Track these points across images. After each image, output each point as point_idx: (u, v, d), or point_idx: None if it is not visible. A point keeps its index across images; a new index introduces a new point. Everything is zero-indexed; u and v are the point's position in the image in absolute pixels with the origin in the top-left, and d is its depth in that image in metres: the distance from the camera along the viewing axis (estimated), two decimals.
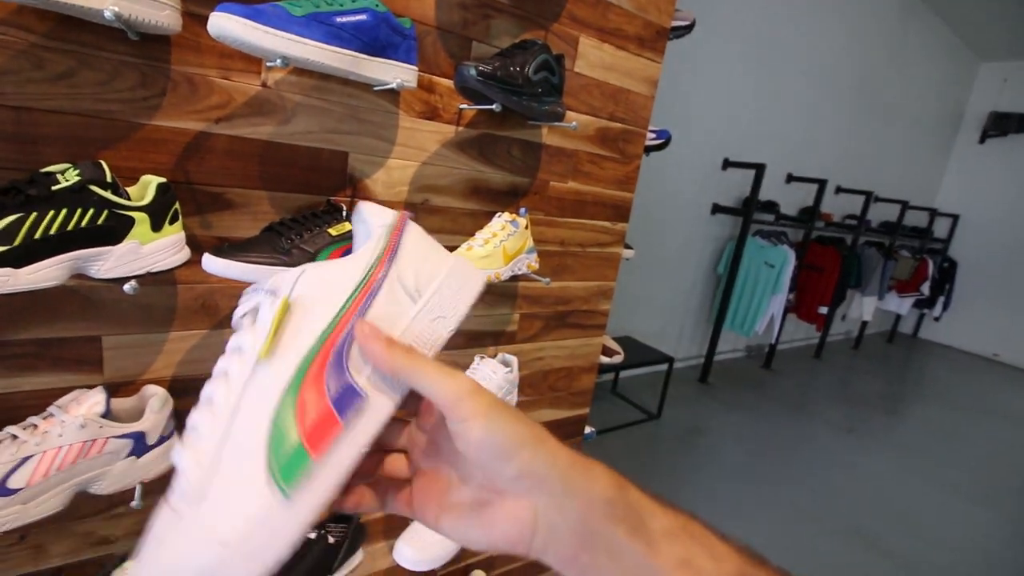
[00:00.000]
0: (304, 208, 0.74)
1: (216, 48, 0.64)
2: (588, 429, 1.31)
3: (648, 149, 1.20)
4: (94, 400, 0.63)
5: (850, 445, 2.96)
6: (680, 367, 3.49)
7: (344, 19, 0.60)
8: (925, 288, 4.79)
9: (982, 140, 5.31)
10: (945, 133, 5.38)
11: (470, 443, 0.25)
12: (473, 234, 0.85)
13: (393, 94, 0.78)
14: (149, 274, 0.60)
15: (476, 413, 0.25)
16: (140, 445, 0.66)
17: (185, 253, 0.63)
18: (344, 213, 0.70)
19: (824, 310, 3.95)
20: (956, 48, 4.85)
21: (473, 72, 0.68)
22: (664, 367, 2.83)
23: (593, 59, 0.95)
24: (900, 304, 4.79)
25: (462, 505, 0.27)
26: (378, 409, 0.27)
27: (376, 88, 0.72)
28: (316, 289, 0.28)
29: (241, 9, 0.55)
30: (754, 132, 3.45)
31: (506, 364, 0.97)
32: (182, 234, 0.63)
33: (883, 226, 4.60)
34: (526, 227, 0.89)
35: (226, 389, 0.26)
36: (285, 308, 0.27)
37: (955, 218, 5.33)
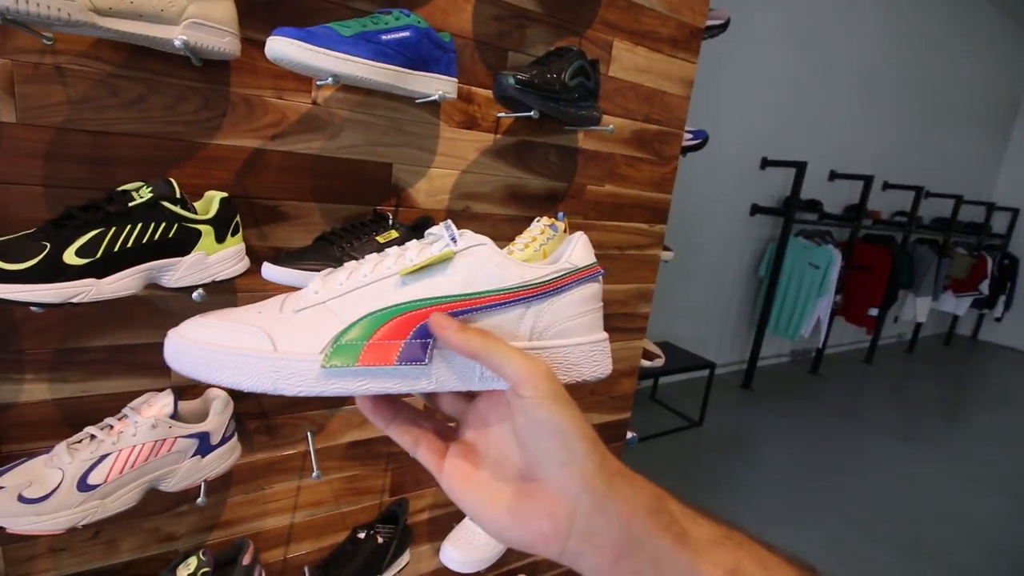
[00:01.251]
0: (352, 218, 0.77)
1: (271, 70, 0.68)
2: (630, 434, 1.30)
3: (685, 150, 1.19)
4: (164, 402, 0.67)
5: (906, 454, 2.81)
6: (722, 372, 3.40)
7: (389, 36, 0.63)
8: (984, 287, 4.52)
9: None
10: (1000, 122, 5.08)
11: (533, 420, 0.26)
12: (513, 239, 0.86)
13: (434, 106, 0.81)
14: (214, 283, 0.64)
15: (548, 394, 0.25)
16: (205, 445, 0.70)
17: (246, 263, 0.67)
18: (390, 221, 0.73)
19: (875, 312, 3.78)
20: (1008, 30, 4.59)
21: (511, 80, 0.70)
22: (705, 373, 2.76)
23: (627, 62, 0.96)
24: (957, 304, 4.53)
25: (492, 490, 0.27)
26: (423, 380, 0.29)
27: (418, 101, 0.75)
28: (477, 263, 0.30)
29: (295, 32, 0.58)
30: (793, 129, 3.36)
31: None
32: (243, 245, 0.67)
33: (936, 222, 4.38)
34: (565, 231, 0.90)
35: (360, 273, 0.30)
36: (447, 256, 0.29)
37: (1015, 212, 5.01)
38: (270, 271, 0.62)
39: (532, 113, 0.73)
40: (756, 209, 3.37)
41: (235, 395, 0.77)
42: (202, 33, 0.59)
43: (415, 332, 0.28)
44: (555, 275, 0.31)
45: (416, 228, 0.78)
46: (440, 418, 0.34)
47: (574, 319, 0.31)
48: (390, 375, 0.28)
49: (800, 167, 3.05)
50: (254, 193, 0.72)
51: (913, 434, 3.08)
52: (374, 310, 0.28)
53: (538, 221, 0.88)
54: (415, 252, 0.30)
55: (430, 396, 0.33)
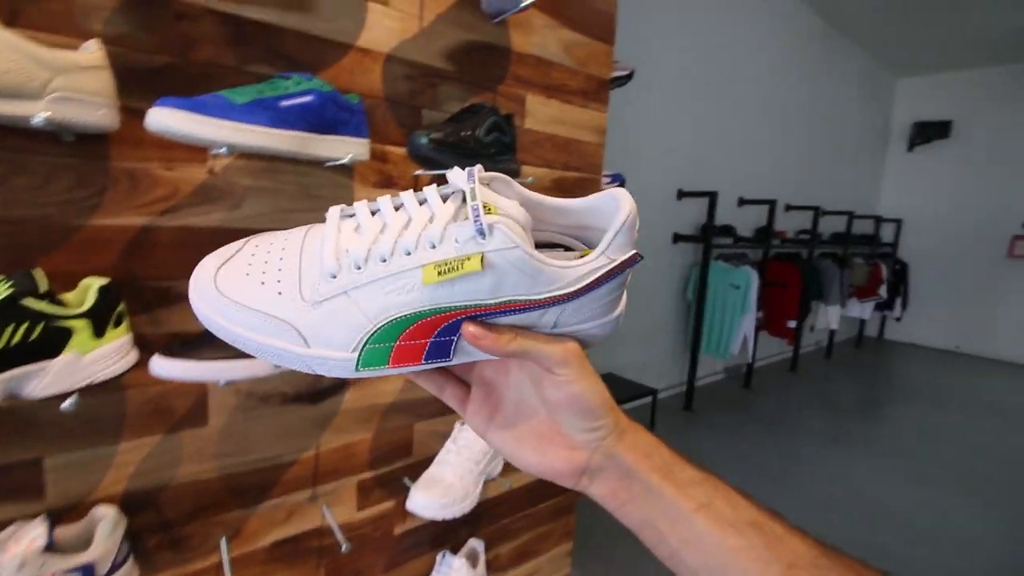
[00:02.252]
0: None
1: (157, 141, 0.62)
2: None
3: None
4: (34, 534, 0.56)
5: (836, 455, 2.97)
6: (664, 397, 3.47)
7: (290, 102, 0.59)
8: (882, 291, 4.99)
9: (910, 148, 5.71)
10: (877, 145, 5.76)
11: (566, 394, 0.29)
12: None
13: (346, 168, 0.77)
14: (91, 385, 0.55)
15: (582, 374, 0.29)
16: None
17: (132, 357, 0.59)
18: None
19: (793, 324, 4.04)
20: (874, 68, 5.27)
21: (425, 140, 0.68)
22: (648, 400, 2.80)
23: (541, 115, 0.97)
24: (862, 309, 4.96)
25: (517, 429, 0.31)
26: (449, 362, 0.30)
27: (328, 164, 0.71)
28: (508, 269, 0.27)
29: (180, 102, 0.53)
30: (703, 162, 3.61)
31: None
32: (128, 336, 0.59)
33: (834, 237, 4.81)
34: None
35: (373, 259, 0.28)
36: (475, 267, 0.27)
37: (898, 222, 5.63)
38: (162, 366, 0.55)
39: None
40: (677, 237, 3.55)
41: (130, 509, 0.66)
42: (71, 108, 0.52)
43: (440, 331, 0.29)
44: (589, 279, 0.29)
45: None
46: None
47: (595, 308, 0.30)
48: (417, 368, 0.30)
49: (712, 196, 3.26)
50: (143, 275, 0.64)
51: (840, 435, 3.26)
52: (399, 314, 0.28)
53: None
54: (438, 235, 0.27)
55: None
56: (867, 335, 5.90)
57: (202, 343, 0.58)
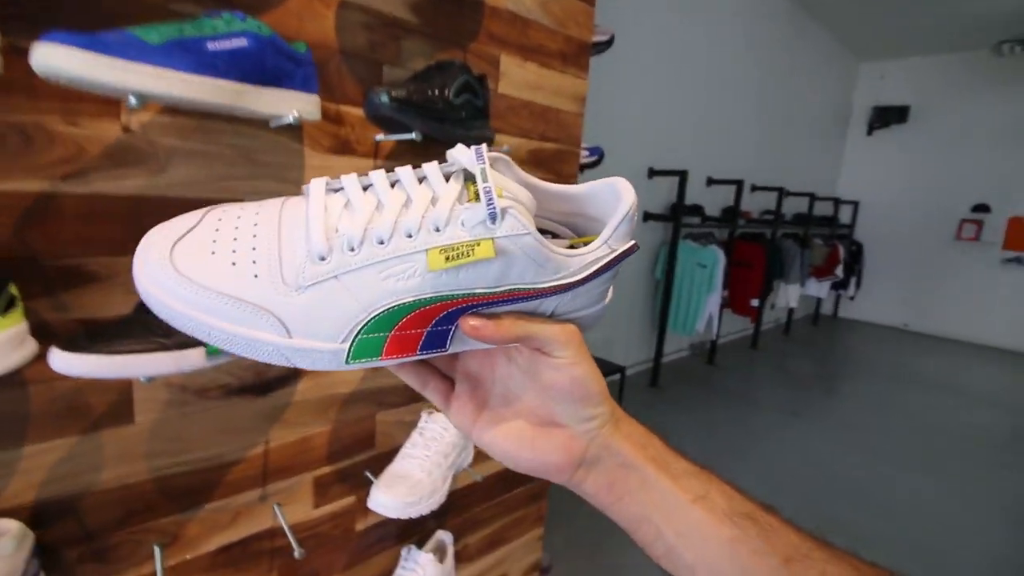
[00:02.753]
0: None
1: (55, 89, 0.51)
2: None
3: (582, 167, 1.15)
4: None
5: (796, 428, 3.07)
6: (631, 373, 3.50)
7: (218, 45, 0.49)
8: (839, 271, 5.15)
9: (869, 132, 5.85)
10: (837, 128, 5.88)
11: (567, 377, 0.28)
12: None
13: (294, 130, 0.67)
14: None
15: (583, 357, 0.29)
16: None
17: (28, 349, 0.49)
18: None
19: (756, 302, 4.13)
20: (837, 51, 5.32)
21: (385, 99, 0.59)
22: (617, 377, 2.81)
23: (517, 78, 0.89)
24: (819, 288, 5.12)
25: (506, 424, 0.30)
26: (442, 352, 0.28)
27: (273, 124, 0.61)
28: (515, 259, 0.26)
29: (75, 38, 0.43)
30: (674, 141, 3.58)
31: None
32: (22, 325, 0.49)
33: (796, 218, 4.91)
34: None
35: (370, 242, 0.25)
36: (487, 254, 0.26)
37: (856, 204, 5.80)
38: (61, 361, 0.45)
39: (413, 135, 0.63)
40: (648, 216, 3.53)
41: (43, 520, 0.57)
42: None
43: (438, 320, 0.27)
44: (593, 268, 0.28)
45: None
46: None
47: (592, 296, 0.31)
48: (411, 359, 0.28)
49: (683, 175, 3.24)
50: (43, 252, 0.53)
51: (799, 409, 3.37)
52: (397, 302, 0.26)
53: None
54: (444, 217, 0.25)
55: None
56: (823, 313, 6.12)
57: (115, 333, 0.49)
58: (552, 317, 0.29)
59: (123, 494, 0.63)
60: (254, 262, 0.25)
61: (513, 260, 0.26)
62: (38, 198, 0.52)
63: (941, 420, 3.37)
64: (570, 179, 1.03)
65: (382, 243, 0.25)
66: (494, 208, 0.25)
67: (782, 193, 4.30)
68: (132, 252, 0.57)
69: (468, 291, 0.26)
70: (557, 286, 0.27)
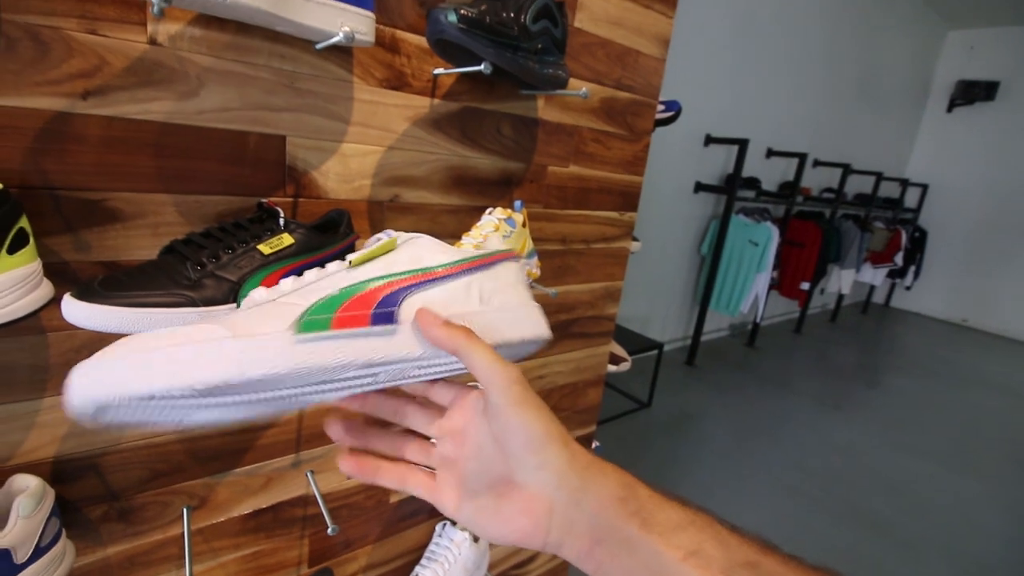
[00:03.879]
0: (228, 215, 0.54)
1: None
2: (595, 443, 1.16)
3: (657, 123, 1.03)
4: None
5: (836, 420, 2.93)
6: (667, 350, 3.39)
7: None
8: (898, 258, 4.83)
9: (949, 109, 5.35)
10: (914, 103, 5.38)
11: (505, 425, 0.28)
12: (459, 237, 0.66)
13: (343, 55, 0.58)
14: None
15: (521, 400, 0.28)
16: (5, 566, 0.46)
17: (43, 292, 0.43)
18: (281, 220, 0.50)
19: (806, 286, 3.91)
20: (924, 16, 4.81)
21: (453, 18, 0.49)
22: (654, 353, 2.71)
23: (598, 11, 0.76)
24: (874, 275, 4.82)
25: (480, 498, 0.29)
26: (395, 341, 0.29)
27: (319, 46, 0.52)
28: (419, 249, 0.34)
29: None
30: (734, 107, 3.32)
31: None
32: (35, 264, 0.43)
33: (858, 198, 4.58)
34: (524, 225, 0.70)
35: (300, 282, 0.30)
36: (391, 245, 0.33)
37: (924, 188, 5.37)
38: (73, 310, 0.39)
39: (482, 67, 0.53)
40: (700, 187, 3.33)
41: (65, 476, 0.53)
42: None
43: (380, 303, 0.29)
44: (484, 253, 0.36)
45: (324, 228, 0.56)
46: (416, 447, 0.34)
47: (507, 288, 0.36)
48: (365, 336, 0.28)
49: (743, 144, 3.02)
50: (61, 182, 0.47)
51: (841, 401, 3.22)
52: (336, 291, 0.29)
53: (490, 213, 0.68)
54: (355, 253, 0.32)
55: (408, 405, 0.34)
56: (874, 301, 5.80)
57: (137, 281, 0.42)
58: (484, 308, 0.33)
59: (149, 453, 0.58)
60: (202, 320, 0.31)
61: (416, 249, 0.33)
62: (55, 118, 0.45)
63: (991, 422, 3.17)
64: (644, 136, 0.91)
65: (312, 279, 0.30)
66: (390, 232, 0.35)
67: (847, 170, 4.00)
68: (160, 189, 0.50)
69: (394, 273, 0.31)
70: (467, 262, 0.34)
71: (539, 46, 0.58)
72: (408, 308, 0.30)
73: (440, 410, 0.33)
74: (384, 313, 0.29)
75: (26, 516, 0.48)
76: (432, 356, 0.30)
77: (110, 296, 0.39)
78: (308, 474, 0.71)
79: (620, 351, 1.17)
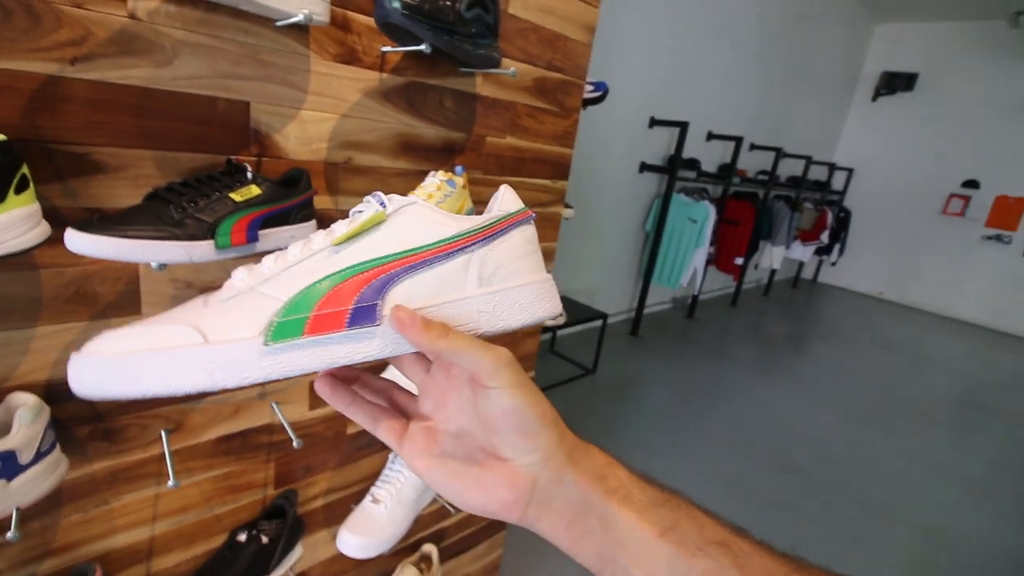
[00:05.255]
0: (199, 170, 0.62)
1: None
2: None
3: (586, 102, 1.15)
4: None
5: (764, 383, 3.22)
6: (612, 321, 3.59)
7: None
8: (825, 236, 5.23)
9: (874, 98, 5.77)
10: (843, 92, 5.77)
11: (499, 408, 0.27)
12: (405, 195, 0.76)
13: (300, 32, 0.66)
14: None
15: (514, 383, 0.27)
16: (10, 466, 0.54)
17: (43, 229, 0.51)
18: (249, 174, 0.59)
19: (740, 261, 4.20)
20: (854, 10, 5.14)
21: (397, 5, 0.58)
22: (599, 323, 2.89)
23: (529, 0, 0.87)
24: (803, 252, 5.21)
25: (455, 462, 0.29)
26: (375, 341, 0.28)
27: (279, 23, 0.60)
28: (411, 220, 0.29)
29: None
30: (677, 92, 3.50)
31: None
32: (36, 206, 0.50)
33: (790, 180, 4.91)
34: (464, 187, 0.81)
35: (287, 256, 0.29)
36: (379, 218, 0.29)
37: (850, 171, 5.81)
38: (78, 240, 0.47)
39: (423, 47, 0.63)
40: (644, 167, 3.51)
41: (55, 398, 0.61)
42: None
43: (362, 295, 0.27)
44: (490, 221, 0.31)
45: (287, 183, 0.65)
46: (397, 399, 0.34)
47: (517, 261, 0.31)
48: (340, 341, 0.27)
49: (683, 127, 3.20)
50: (53, 136, 0.54)
51: (769, 366, 3.53)
52: (312, 282, 0.27)
53: (434, 175, 0.79)
54: (344, 226, 0.29)
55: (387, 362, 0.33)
56: (803, 277, 6.26)
57: (128, 219, 0.50)
58: (483, 289, 0.30)
59: None
60: (180, 311, 0.28)
61: (408, 221, 0.29)
62: (47, 81, 0.52)
63: (899, 383, 3.56)
64: (573, 112, 1.03)
65: (294, 256, 0.29)
66: (382, 198, 0.29)
67: (779, 154, 4.29)
68: (139, 145, 0.58)
69: (379, 258, 0.28)
70: (463, 237, 0.30)
71: (473, 30, 0.68)
72: (394, 298, 0.28)
73: (427, 362, 0.32)
74: (364, 308, 0.27)
75: (27, 424, 0.56)
76: (410, 349, 0.29)
77: (108, 229, 0.48)
78: (273, 404, 0.80)
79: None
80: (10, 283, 0.55)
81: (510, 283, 0.31)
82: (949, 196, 5.39)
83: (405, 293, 0.28)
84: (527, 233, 0.33)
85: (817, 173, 5.35)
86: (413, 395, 0.33)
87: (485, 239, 0.30)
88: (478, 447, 0.29)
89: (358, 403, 0.31)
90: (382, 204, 0.29)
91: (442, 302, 0.29)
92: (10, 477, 0.54)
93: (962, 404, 3.39)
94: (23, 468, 0.55)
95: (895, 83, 5.52)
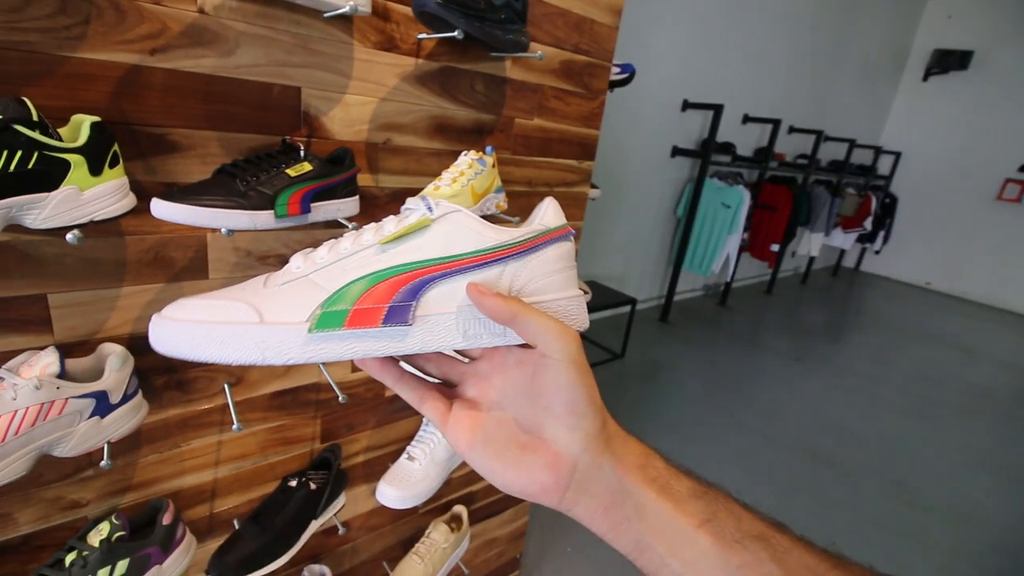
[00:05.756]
0: (257, 149, 0.70)
1: None
2: None
3: (612, 84, 1.18)
4: (47, 361, 0.59)
5: (798, 372, 3.18)
6: (642, 308, 3.60)
7: None
8: (868, 223, 5.05)
9: (925, 78, 5.49)
10: (891, 72, 5.51)
11: (555, 383, 0.28)
12: (439, 174, 0.82)
13: (345, 22, 0.72)
14: (93, 223, 0.55)
15: (577, 361, 0.28)
16: (103, 404, 0.63)
17: (131, 200, 0.59)
18: (301, 152, 0.66)
19: (776, 247, 4.12)
20: None
21: None
22: (627, 308, 2.91)
23: None
24: (845, 239, 5.05)
25: (497, 444, 0.29)
26: (408, 340, 0.30)
27: (327, 14, 0.67)
28: (454, 229, 0.31)
29: None
30: (711, 73, 3.43)
31: None
32: (125, 179, 0.58)
33: (831, 165, 4.76)
34: (493, 166, 0.87)
35: (340, 247, 0.31)
36: (424, 223, 0.31)
37: (897, 155, 5.56)
38: (162, 208, 0.55)
39: (456, 34, 0.68)
40: (676, 151, 3.47)
41: (136, 350, 0.70)
42: None
43: (398, 296, 0.29)
44: (529, 236, 0.32)
45: (334, 161, 0.72)
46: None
47: (549, 276, 0.33)
48: (375, 337, 0.29)
49: (718, 110, 3.15)
50: (135, 119, 0.62)
51: (803, 355, 3.47)
52: (356, 277, 0.30)
53: (465, 155, 0.84)
54: (393, 224, 0.31)
55: (420, 362, 0.35)
56: (844, 265, 6.06)
57: (202, 190, 0.58)
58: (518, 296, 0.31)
59: None
60: (243, 289, 0.31)
61: (452, 232, 0.31)
62: (131, 69, 0.60)
63: (941, 374, 3.44)
64: (599, 94, 1.06)
65: (345, 249, 0.31)
66: (429, 202, 0.32)
67: (820, 137, 4.15)
68: (207, 127, 0.65)
69: (420, 262, 0.30)
70: (499, 251, 0.31)
71: (503, 16, 0.73)
72: (428, 301, 0.30)
73: (453, 360, 0.34)
74: (399, 308, 0.29)
75: (117, 369, 0.65)
76: (444, 341, 0.31)
77: (187, 198, 0.55)
78: (320, 365, 0.88)
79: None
80: (100, 248, 0.64)
81: (539, 297, 0.32)
82: (1005, 181, 5.10)
83: (438, 297, 0.30)
84: (562, 249, 0.34)
85: (861, 157, 5.15)
86: (453, 363, 0.35)
87: (521, 252, 0.32)
88: (522, 430, 0.29)
89: (406, 379, 0.32)
90: (429, 209, 0.31)
91: (472, 308, 0.30)
92: (103, 414, 0.63)
93: (1010, 397, 3.25)
94: (113, 407, 0.64)
95: (948, 61, 5.23)
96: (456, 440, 0.30)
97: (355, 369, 0.93)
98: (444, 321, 0.30)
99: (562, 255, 0.34)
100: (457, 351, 0.35)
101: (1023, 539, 1.95)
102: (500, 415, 0.30)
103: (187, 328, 0.28)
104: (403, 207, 0.35)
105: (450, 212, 0.31)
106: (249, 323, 0.28)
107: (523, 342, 0.31)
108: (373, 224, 0.33)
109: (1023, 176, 4.99)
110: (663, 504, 0.27)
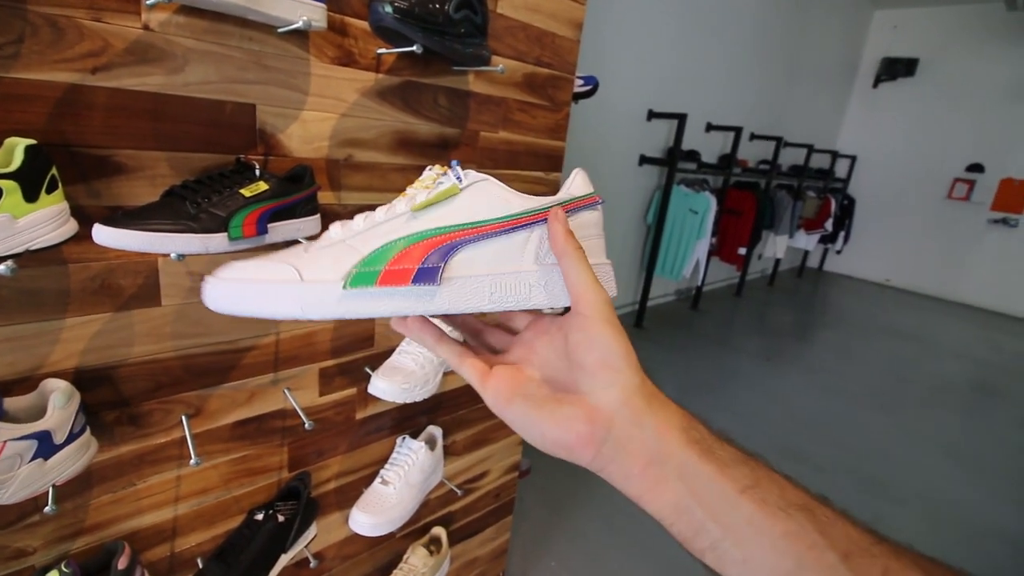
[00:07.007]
0: (210, 169, 0.67)
1: None
2: None
3: (576, 96, 1.18)
4: None
5: (769, 371, 3.25)
6: (617, 315, 3.63)
7: None
8: (828, 224, 5.23)
9: (876, 85, 5.75)
10: (844, 79, 5.76)
11: (588, 337, 0.28)
12: (404, 190, 0.80)
13: (301, 38, 0.71)
14: (29, 252, 0.52)
15: (609, 319, 0.29)
16: (47, 445, 0.59)
17: (71, 226, 0.55)
18: (257, 171, 0.64)
19: (743, 251, 4.22)
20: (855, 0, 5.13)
21: (389, 9, 0.62)
22: None
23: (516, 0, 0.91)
24: (808, 241, 5.21)
25: (535, 399, 0.29)
26: (436, 300, 0.31)
27: (281, 30, 0.65)
28: (482, 196, 0.32)
29: None
30: (674, 84, 3.52)
31: None
32: (64, 204, 0.55)
33: (792, 169, 4.92)
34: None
35: (374, 216, 0.33)
36: (454, 191, 0.32)
37: (853, 159, 5.80)
38: (104, 234, 0.52)
39: (415, 48, 0.67)
40: (644, 159, 3.54)
41: (84, 385, 0.66)
42: None
43: (428, 258, 0.31)
44: (555, 202, 0.33)
45: (292, 179, 0.70)
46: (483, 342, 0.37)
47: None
48: (405, 295, 0.31)
49: (682, 119, 3.23)
50: (77, 141, 0.58)
51: (774, 354, 3.55)
52: (390, 240, 0.31)
53: (430, 169, 0.83)
54: (424, 193, 0.33)
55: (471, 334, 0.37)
56: (809, 266, 6.25)
57: (148, 214, 0.55)
58: (539, 263, 0.32)
59: (152, 368, 0.71)
60: (286, 252, 0.33)
61: (478, 198, 0.32)
62: (70, 89, 0.57)
63: (904, 368, 3.57)
64: (563, 106, 1.07)
65: (380, 218, 0.33)
66: (459, 172, 0.33)
67: (780, 143, 4.30)
68: (155, 147, 0.62)
69: (447, 227, 0.32)
70: (527, 217, 0.32)
71: (462, 30, 0.72)
72: (456, 263, 0.31)
73: (511, 332, 0.36)
74: (428, 270, 0.30)
75: (61, 407, 0.61)
76: (471, 303, 0.32)
77: (132, 223, 0.52)
78: (285, 391, 0.85)
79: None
80: (41, 278, 0.60)
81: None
82: (954, 180, 5.37)
83: (466, 260, 0.31)
84: (590, 217, 0.34)
85: (819, 161, 5.35)
86: (501, 336, 0.36)
87: (544, 220, 0.32)
88: (561, 388, 0.29)
89: (445, 340, 0.33)
90: (458, 178, 0.33)
91: (497, 272, 0.32)
92: (46, 456, 0.59)
93: (969, 387, 3.39)
94: (58, 448, 0.60)
95: (896, 69, 5.50)
96: (496, 394, 0.31)
97: (323, 392, 0.90)
98: (471, 284, 0.31)
99: (590, 222, 0.34)
100: (503, 325, 0.37)
101: (990, 526, 2.01)
102: (540, 374, 0.31)
103: (238, 287, 0.30)
104: (435, 175, 0.35)
105: (478, 180, 0.33)
106: (291, 281, 0.30)
107: (548, 306, 0.32)
108: (403, 197, 0.34)
109: (970, 176, 5.26)
110: (706, 467, 0.26)
